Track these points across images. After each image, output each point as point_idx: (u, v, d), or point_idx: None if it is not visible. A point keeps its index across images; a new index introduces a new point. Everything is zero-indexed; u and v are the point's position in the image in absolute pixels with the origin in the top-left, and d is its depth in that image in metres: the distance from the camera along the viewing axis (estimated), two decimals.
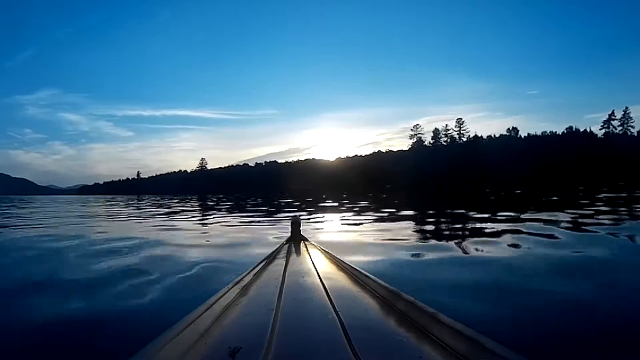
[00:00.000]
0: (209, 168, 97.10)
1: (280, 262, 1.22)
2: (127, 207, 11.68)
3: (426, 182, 46.41)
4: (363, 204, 8.96)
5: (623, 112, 53.13)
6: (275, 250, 1.46)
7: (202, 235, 3.96)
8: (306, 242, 1.57)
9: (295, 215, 1.87)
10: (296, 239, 1.65)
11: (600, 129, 54.38)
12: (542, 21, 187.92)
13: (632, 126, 52.91)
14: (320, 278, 0.98)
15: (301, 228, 1.73)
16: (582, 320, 1.33)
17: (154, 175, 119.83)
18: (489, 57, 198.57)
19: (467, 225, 4.32)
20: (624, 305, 1.49)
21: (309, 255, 1.30)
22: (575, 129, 54.76)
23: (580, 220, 4.30)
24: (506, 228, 3.74)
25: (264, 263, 1.23)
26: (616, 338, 1.20)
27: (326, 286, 0.89)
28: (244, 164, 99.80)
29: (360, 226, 4.52)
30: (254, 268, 1.15)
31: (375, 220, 5.09)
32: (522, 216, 4.97)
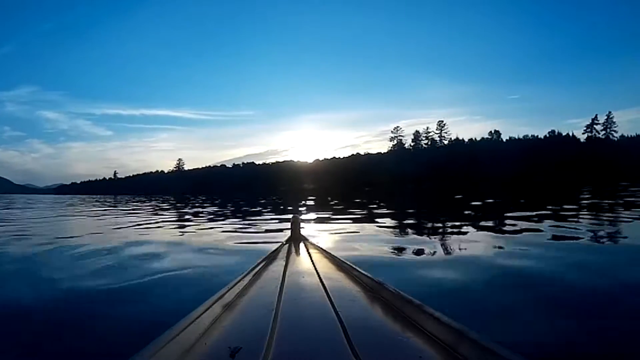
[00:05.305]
0: (186, 169, 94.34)
1: (280, 262, 1.21)
2: None
3: (406, 184, 44.45)
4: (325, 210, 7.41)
5: (606, 117, 52.50)
6: (275, 250, 1.42)
7: None
8: (306, 242, 1.53)
9: (295, 215, 1.76)
10: (296, 238, 1.60)
11: (583, 134, 53.65)
12: (523, 25, 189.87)
13: (615, 130, 52.40)
14: (320, 278, 0.98)
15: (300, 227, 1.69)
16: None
17: (131, 175, 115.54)
18: (469, 61, 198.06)
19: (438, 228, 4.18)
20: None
21: (309, 255, 1.29)
22: (558, 132, 53.94)
23: None
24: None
25: (264, 263, 1.21)
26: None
27: (326, 286, 0.89)
28: (222, 165, 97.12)
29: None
30: (254, 268, 1.13)
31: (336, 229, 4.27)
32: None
